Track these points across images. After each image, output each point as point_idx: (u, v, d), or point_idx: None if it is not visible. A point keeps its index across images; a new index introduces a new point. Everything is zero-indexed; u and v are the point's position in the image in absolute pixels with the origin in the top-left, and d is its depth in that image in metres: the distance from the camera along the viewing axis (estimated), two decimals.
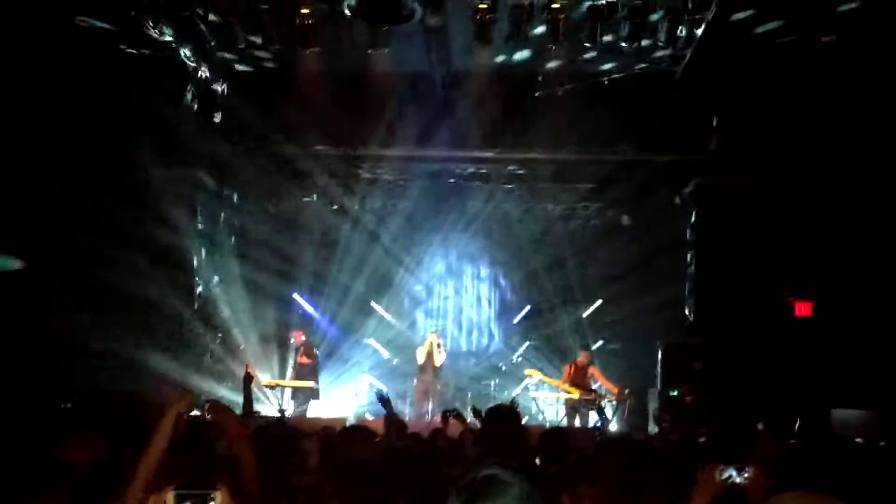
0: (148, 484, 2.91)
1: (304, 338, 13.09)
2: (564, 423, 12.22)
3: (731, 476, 2.95)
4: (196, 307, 13.02)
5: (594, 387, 13.52)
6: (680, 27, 10.50)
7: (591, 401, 12.15)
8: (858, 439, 5.18)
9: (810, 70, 10.86)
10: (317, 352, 13.19)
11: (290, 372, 13.29)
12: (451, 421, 6.34)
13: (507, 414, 4.72)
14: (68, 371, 10.27)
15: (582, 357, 12.70)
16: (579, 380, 12.41)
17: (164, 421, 3.35)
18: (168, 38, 10.99)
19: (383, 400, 6.08)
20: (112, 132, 11.67)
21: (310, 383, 12.68)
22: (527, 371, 13.19)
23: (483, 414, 5.48)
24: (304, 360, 12.77)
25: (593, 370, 12.60)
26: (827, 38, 10.16)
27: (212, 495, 2.02)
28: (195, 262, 13.13)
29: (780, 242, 11.88)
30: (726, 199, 12.49)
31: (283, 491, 2.33)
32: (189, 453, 3.33)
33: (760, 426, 5.50)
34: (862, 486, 3.20)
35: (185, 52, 11.48)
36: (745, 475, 2.94)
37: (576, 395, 12.23)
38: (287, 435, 4.63)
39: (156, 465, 3.16)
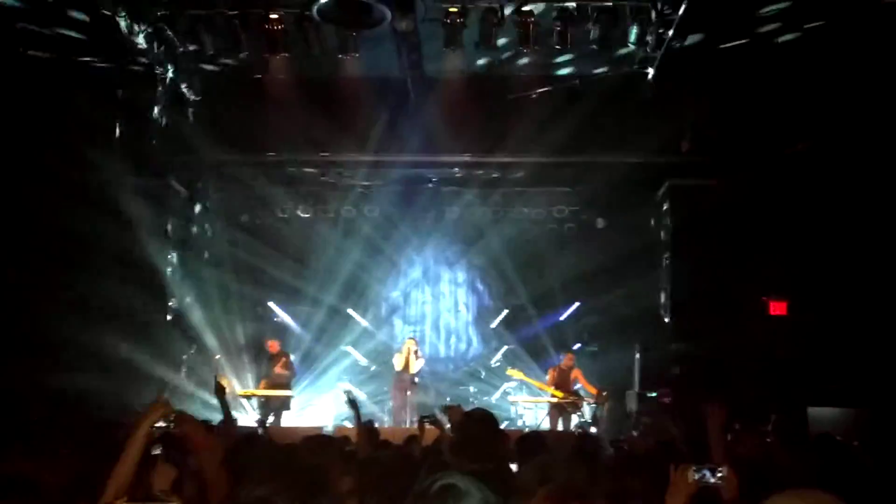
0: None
1: (279, 347, 12.92)
2: (544, 426, 12.18)
3: (704, 476, 2.92)
4: (170, 317, 12.86)
5: (575, 389, 13.52)
6: (650, 29, 10.54)
7: (573, 403, 12.13)
8: (837, 437, 5.19)
9: (778, 72, 10.94)
10: (294, 365, 13.01)
11: (262, 381, 12.98)
12: (427, 427, 6.26)
13: (483, 419, 4.66)
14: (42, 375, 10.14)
15: (566, 360, 12.66)
16: (563, 383, 12.37)
17: (137, 433, 3.25)
18: (138, 46, 10.90)
19: (353, 403, 6.01)
20: (82, 141, 11.52)
21: (287, 392, 12.59)
22: (508, 371, 13.14)
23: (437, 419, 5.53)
24: (282, 371, 12.58)
25: (576, 373, 12.54)
26: (791, 34, 10.23)
27: None
28: (168, 272, 12.96)
29: (753, 242, 11.95)
30: (700, 201, 12.52)
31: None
32: (147, 465, 3.24)
33: (737, 426, 5.49)
34: (837, 483, 3.19)
35: (154, 59, 11.38)
36: (719, 475, 2.92)
37: (558, 397, 12.20)
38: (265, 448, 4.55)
39: (128, 478, 3.07)
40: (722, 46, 10.87)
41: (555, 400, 12.20)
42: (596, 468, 3.09)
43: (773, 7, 10.17)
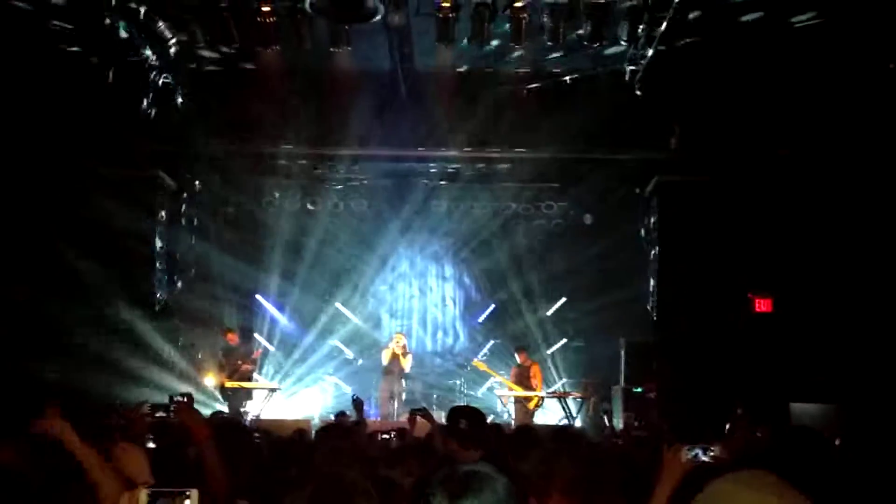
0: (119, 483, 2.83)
1: (238, 339, 12.79)
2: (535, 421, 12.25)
3: (696, 455, 2.95)
4: (157, 309, 12.81)
5: (559, 384, 13.63)
6: (641, 26, 10.59)
7: (531, 399, 12.15)
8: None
9: (768, 71, 11.02)
10: (257, 359, 12.98)
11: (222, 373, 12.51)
12: (419, 420, 6.32)
13: (470, 413, 4.75)
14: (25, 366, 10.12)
15: (521, 358, 12.74)
16: (523, 380, 12.44)
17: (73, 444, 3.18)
18: (125, 37, 10.83)
19: (358, 403, 6.14)
20: (68, 132, 11.45)
21: (273, 385, 12.62)
22: (475, 362, 13.33)
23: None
24: (248, 366, 12.52)
25: (535, 369, 12.60)
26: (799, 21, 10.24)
27: (186, 493, 1.97)
28: (155, 265, 12.90)
29: (739, 239, 12.04)
30: (687, 197, 12.61)
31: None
32: (162, 454, 3.26)
33: (739, 411, 5.58)
34: (821, 476, 3.25)
35: (143, 50, 11.31)
36: (711, 454, 2.94)
37: (539, 394, 12.27)
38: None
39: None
40: (712, 44, 10.91)
41: (533, 395, 12.24)
42: (594, 463, 3.14)
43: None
